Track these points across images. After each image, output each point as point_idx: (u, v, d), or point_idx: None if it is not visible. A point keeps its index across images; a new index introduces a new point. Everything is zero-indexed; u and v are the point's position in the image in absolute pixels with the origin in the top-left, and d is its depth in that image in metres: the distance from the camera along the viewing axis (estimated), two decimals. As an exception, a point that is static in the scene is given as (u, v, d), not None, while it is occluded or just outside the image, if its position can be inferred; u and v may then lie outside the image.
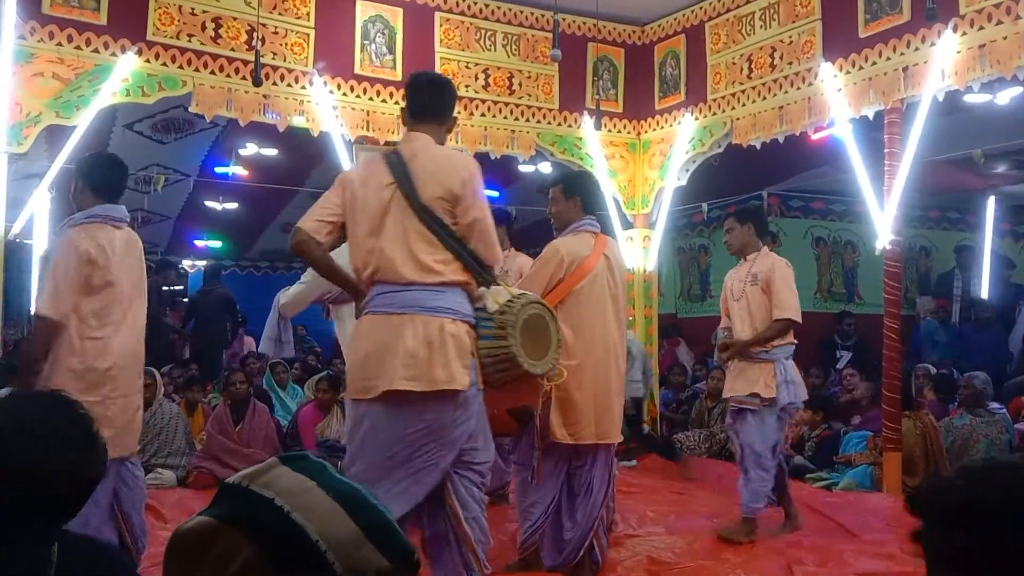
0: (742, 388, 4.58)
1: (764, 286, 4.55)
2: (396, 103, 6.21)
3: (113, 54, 5.25)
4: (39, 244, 7.12)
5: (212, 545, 0.95)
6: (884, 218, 5.52)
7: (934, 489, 1.13)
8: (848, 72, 5.59)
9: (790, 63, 6.00)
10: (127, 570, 1.73)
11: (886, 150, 5.48)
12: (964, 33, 4.93)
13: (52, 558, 1.46)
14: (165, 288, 10.33)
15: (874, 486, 5.60)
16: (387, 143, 6.22)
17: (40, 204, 6.29)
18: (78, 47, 5.17)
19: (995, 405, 6.21)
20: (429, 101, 3.14)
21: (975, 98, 6.39)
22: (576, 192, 3.94)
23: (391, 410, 2.83)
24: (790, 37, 6.00)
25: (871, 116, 5.59)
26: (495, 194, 10.55)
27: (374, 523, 0.95)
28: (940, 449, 5.66)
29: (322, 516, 0.94)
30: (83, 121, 5.25)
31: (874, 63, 5.44)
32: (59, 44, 5.12)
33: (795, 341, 4.64)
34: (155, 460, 5.94)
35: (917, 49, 5.19)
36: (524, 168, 9.19)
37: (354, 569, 0.91)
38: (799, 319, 4.53)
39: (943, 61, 5.02)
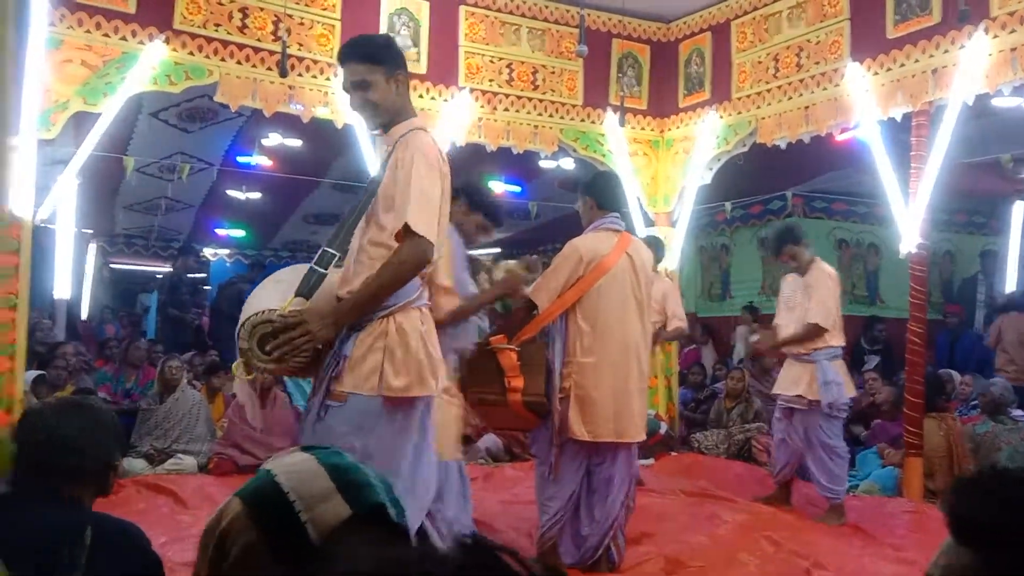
0: (788, 388, 5.18)
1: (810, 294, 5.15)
2: (420, 96, 6.21)
3: (140, 42, 5.28)
4: (64, 229, 7.19)
5: (221, 518, 1.02)
6: (911, 222, 5.46)
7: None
8: (876, 73, 5.53)
9: (817, 63, 5.95)
10: (151, 550, 1.77)
11: (913, 153, 5.44)
12: (995, 36, 4.86)
13: (86, 540, 1.50)
14: (188, 275, 10.43)
15: (897, 490, 5.57)
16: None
17: (66, 190, 6.34)
18: (106, 35, 5.20)
19: (1018, 412, 6.16)
20: None
21: (1004, 102, 6.32)
22: (588, 192, 3.98)
23: (431, 403, 2.75)
24: (817, 37, 5.95)
25: (899, 118, 5.53)
26: (517, 189, 10.56)
27: (351, 482, 0.99)
28: (964, 452, 5.63)
29: (301, 477, 0.99)
30: (110, 108, 5.28)
31: (902, 64, 5.38)
32: (88, 31, 5.16)
33: (833, 345, 5.09)
34: (176, 446, 6.02)
35: (947, 51, 5.13)
36: (545, 164, 9.18)
37: (319, 520, 0.95)
38: (827, 325, 5.02)
39: (973, 64, 4.96)
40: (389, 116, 2.74)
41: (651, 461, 6.64)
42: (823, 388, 4.96)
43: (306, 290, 2.61)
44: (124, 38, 5.25)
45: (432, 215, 2.53)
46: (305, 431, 2.64)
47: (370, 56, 2.72)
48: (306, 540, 0.94)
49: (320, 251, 2.65)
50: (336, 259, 2.67)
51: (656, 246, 6.00)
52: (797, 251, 5.18)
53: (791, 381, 5.16)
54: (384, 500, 0.98)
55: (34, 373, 6.00)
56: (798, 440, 5.13)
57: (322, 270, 2.63)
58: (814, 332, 5.02)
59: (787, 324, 5.25)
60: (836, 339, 5.09)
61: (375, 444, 2.51)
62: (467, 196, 3.67)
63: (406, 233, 2.49)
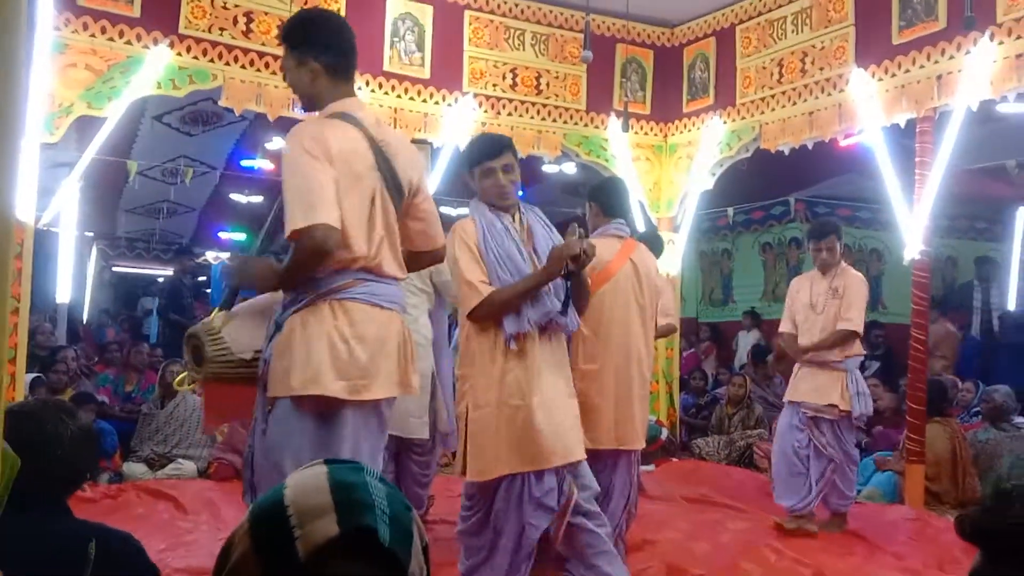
0: (816, 396, 4.87)
1: (841, 299, 4.90)
2: (424, 101, 6.22)
3: (145, 46, 5.28)
4: (66, 233, 7.18)
5: (238, 530, 0.99)
6: (914, 228, 5.45)
7: (988, 516, 1.12)
8: (880, 79, 5.52)
9: (821, 68, 5.94)
10: (151, 562, 1.76)
11: (917, 159, 5.42)
12: (1001, 42, 4.85)
13: (90, 554, 1.48)
14: (187, 278, 10.41)
15: (898, 495, 5.56)
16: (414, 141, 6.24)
17: (69, 194, 6.34)
18: (111, 39, 5.21)
19: (1020, 419, 6.14)
20: (354, 53, 2.71)
21: (1009, 108, 6.31)
22: (593, 198, 3.98)
23: (370, 415, 2.57)
24: (822, 42, 5.94)
25: (903, 124, 5.52)
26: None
27: (350, 501, 0.96)
28: (968, 457, 5.63)
29: (306, 490, 0.96)
30: (114, 113, 5.29)
31: (907, 70, 5.37)
32: (92, 35, 5.16)
33: (863, 353, 5.05)
34: (176, 451, 6.01)
35: (952, 57, 5.12)
36: (548, 168, 9.18)
37: (308, 537, 0.92)
38: (860, 330, 4.88)
39: (978, 70, 4.95)
40: (306, 101, 2.68)
41: (652, 467, 6.62)
42: (856, 398, 4.77)
43: (226, 303, 2.68)
44: (129, 42, 5.25)
45: (314, 196, 2.39)
46: (256, 448, 2.53)
47: (284, 37, 2.67)
48: (295, 558, 0.91)
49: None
50: None
51: (653, 242, 5.95)
52: (837, 246, 4.96)
53: (818, 389, 4.85)
54: (376, 524, 0.94)
55: (31, 376, 5.99)
56: (832, 450, 4.82)
57: None
58: (849, 338, 4.83)
59: (811, 327, 4.94)
60: (860, 347, 4.98)
61: (306, 452, 2.37)
62: (461, 162, 3.38)
63: (296, 235, 2.41)
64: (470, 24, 6.43)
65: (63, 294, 7.05)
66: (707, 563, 4.19)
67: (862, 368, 7.96)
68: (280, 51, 2.72)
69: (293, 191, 2.42)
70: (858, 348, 4.92)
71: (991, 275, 9.19)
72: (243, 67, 5.59)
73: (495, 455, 3.04)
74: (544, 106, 6.72)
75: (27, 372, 5.40)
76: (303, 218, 2.37)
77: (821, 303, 4.93)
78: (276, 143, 9.25)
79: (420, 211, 2.77)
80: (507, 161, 3.15)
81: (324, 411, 2.46)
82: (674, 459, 6.97)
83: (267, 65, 5.64)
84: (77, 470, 1.83)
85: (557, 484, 3.06)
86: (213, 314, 2.64)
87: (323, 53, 2.61)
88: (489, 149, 3.18)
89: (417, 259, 2.89)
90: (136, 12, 5.28)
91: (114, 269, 14.35)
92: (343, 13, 5.91)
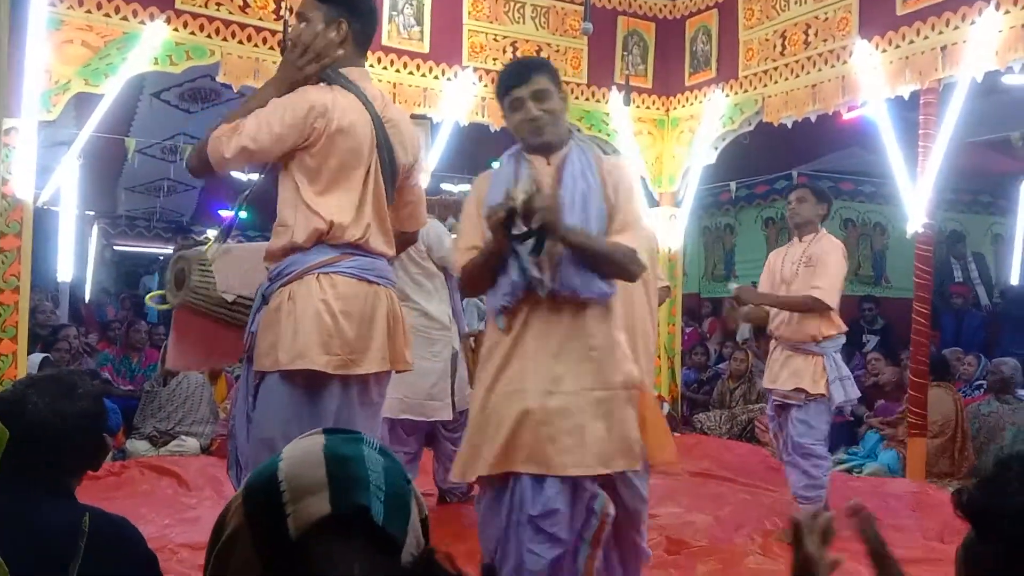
0: (786, 382, 4.34)
1: (815, 267, 4.29)
2: (423, 75, 6.17)
3: (142, 22, 5.24)
4: (66, 211, 7.18)
5: (232, 499, 0.98)
6: (917, 201, 5.41)
7: (986, 491, 1.11)
8: (884, 50, 5.46)
9: (824, 40, 5.88)
10: (147, 547, 1.74)
11: (921, 131, 5.37)
12: (1007, 12, 4.79)
13: (84, 528, 1.48)
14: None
15: (903, 474, 5.58)
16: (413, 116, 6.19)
17: (68, 171, 6.32)
18: (107, 15, 5.16)
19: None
20: (377, 27, 2.74)
21: (1014, 79, 6.25)
22: None
23: (361, 389, 2.51)
24: (825, 14, 5.88)
25: (906, 96, 5.47)
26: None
27: (345, 476, 0.93)
28: (967, 426, 5.71)
29: (301, 465, 0.94)
30: (111, 89, 5.25)
31: (911, 41, 5.31)
32: (88, 11, 5.11)
33: (842, 332, 4.38)
34: (179, 428, 6.03)
35: (956, 28, 5.06)
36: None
37: (301, 514, 0.91)
38: (831, 304, 4.23)
39: (983, 40, 4.90)
40: (324, 62, 2.50)
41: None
42: (836, 384, 4.21)
43: (222, 234, 2.81)
44: (125, 18, 5.20)
45: (261, 131, 2.39)
46: (238, 422, 2.52)
47: None
48: (286, 535, 0.90)
49: None
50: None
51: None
52: (810, 200, 4.40)
53: (788, 374, 4.30)
54: (370, 502, 0.92)
55: (39, 356, 6.00)
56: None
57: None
58: (813, 306, 4.20)
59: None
60: (841, 326, 4.36)
61: (294, 427, 2.26)
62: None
63: (215, 129, 2.48)
64: (470, -3, 6.36)
65: (64, 273, 7.05)
66: (708, 536, 4.21)
67: (861, 344, 7.98)
68: (276, 26, 2.68)
69: (257, 104, 2.44)
70: (836, 328, 4.31)
71: (964, 252, 9.19)
72: (240, 43, 5.53)
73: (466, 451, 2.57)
74: (545, 80, 6.65)
75: (29, 351, 5.41)
76: (223, 128, 2.42)
77: (792, 271, 4.36)
78: (276, 120, 9.20)
79: (411, 193, 2.73)
80: (539, 87, 2.50)
81: (312, 386, 2.42)
82: (676, 434, 6.98)
83: (264, 41, 5.59)
84: (71, 456, 1.75)
85: (582, 503, 2.40)
86: (209, 244, 2.63)
87: (357, 18, 2.56)
88: (512, 75, 2.57)
89: (401, 240, 2.79)
90: (132, -13, 5.22)
91: (115, 248, 14.33)
92: (341, -13, 5.85)
